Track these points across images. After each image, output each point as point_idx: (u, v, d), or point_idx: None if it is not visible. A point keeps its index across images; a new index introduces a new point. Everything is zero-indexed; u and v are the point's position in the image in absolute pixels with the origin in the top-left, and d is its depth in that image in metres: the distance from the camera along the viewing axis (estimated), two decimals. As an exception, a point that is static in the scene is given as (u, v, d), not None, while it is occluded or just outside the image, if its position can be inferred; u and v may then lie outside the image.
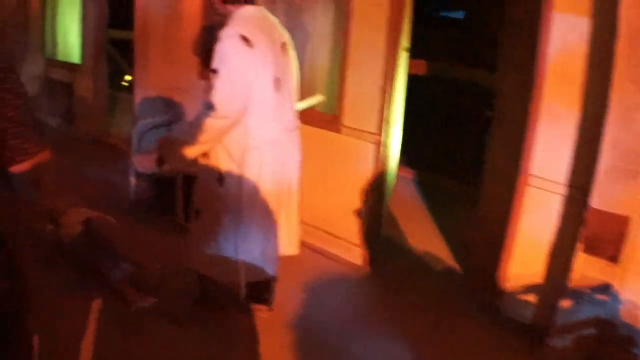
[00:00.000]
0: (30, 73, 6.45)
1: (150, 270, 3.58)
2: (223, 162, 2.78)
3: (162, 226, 4.24)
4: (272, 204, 2.87)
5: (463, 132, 5.48)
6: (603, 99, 2.84)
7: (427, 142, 5.59)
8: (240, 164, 2.75)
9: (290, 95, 2.97)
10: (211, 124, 2.63)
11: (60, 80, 6.38)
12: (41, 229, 3.63)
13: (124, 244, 3.67)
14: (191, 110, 4.56)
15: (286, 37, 2.96)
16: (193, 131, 2.68)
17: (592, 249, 2.91)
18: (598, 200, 2.84)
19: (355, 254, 4.01)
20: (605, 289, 2.91)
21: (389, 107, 3.65)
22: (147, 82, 4.81)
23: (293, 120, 3.00)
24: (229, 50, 2.60)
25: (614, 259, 2.86)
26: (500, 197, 3.96)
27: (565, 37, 2.97)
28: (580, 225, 2.98)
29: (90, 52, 5.95)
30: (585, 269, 2.94)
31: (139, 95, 4.79)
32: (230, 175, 2.78)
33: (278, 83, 2.78)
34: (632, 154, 2.75)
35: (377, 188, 3.85)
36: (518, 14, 3.79)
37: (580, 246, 2.92)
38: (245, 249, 2.86)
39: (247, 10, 2.77)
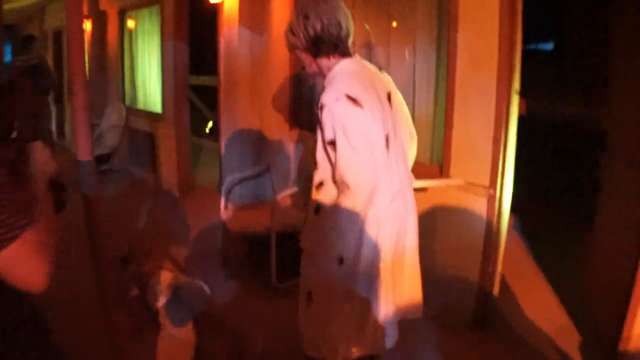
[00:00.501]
0: (110, 122, 6.51)
1: (252, 341, 3.44)
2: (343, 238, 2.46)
3: (254, 287, 4.13)
4: (390, 275, 2.57)
5: (566, 174, 5.22)
6: None
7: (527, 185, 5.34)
8: (359, 239, 2.44)
9: (403, 149, 2.64)
10: (353, 206, 2.31)
11: (142, 129, 6.40)
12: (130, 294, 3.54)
13: (217, 309, 3.56)
14: (279, 163, 4.45)
15: (390, 84, 2.64)
16: (342, 225, 2.36)
17: None
18: None
19: (464, 316, 3.77)
20: None
21: (502, 157, 3.43)
22: (233, 131, 4.73)
23: (407, 177, 2.66)
24: (340, 115, 2.26)
25: None
26: (620, 247, 3.71)
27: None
28: None
29: (171, 100, 5.96)
30: None
31: (225, 146, 4.71)
32: (349, 252, 2.44)
33: (388, 140, 2.45)
34: None
35: (489, 245, 3.62)
36: (629, 40, 3.57)
37: None
38: (364, 327, 2.55)
39: (345, 64, 2.43)
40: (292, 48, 2.47)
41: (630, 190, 3.67)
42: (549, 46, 6.70)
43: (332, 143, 2.26)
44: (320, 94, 2.35)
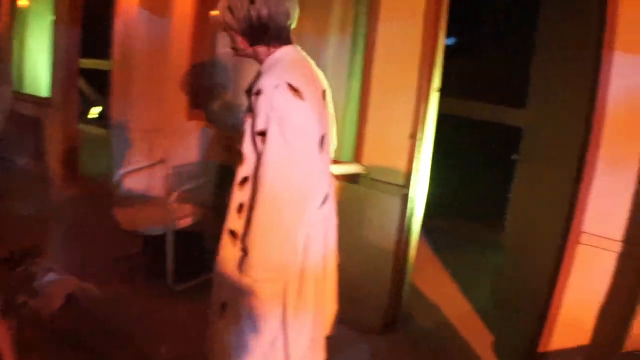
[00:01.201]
0: (-4, 107, 5.94)
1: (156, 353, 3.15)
2: None
3: (149, 290, 3.81)
4: (318, 283, 2.37)
5: (480, 174, 5.24)
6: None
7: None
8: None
9: (330, 153, 2.44)
10: (277, 201, 2.04)
11: (29, 114, 5.88)
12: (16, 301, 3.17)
13: (113, 316, 3.26)
14: (176, 156, 4.17)
15: (324, 81, 2.41)
16: (257, 232, 2.08)
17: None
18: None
19: (375, 317, 3.64)
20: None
21: (418, 156, 3.34)
22: (126, 119, 4.37)
23: (331, 182, 2.45)
24: (279, 104, 2.01)
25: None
26: (533, 250, 3.75)
27: (628, 79, 2.75)
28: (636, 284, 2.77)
29: (60, 84, 5.50)
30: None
31: (117, 135, 4.34)
32: None
33: (323, 141, 2.25)
34: None
35: (401, 246, 3.51)
36: (554, 44, 3.61)
37: (642, 307, 2.68)
38: (294, 344, 2.32)
39: (287, 51, 2.20)
40: (226, 28, 2.19)
41: (542, 190, 3.72)
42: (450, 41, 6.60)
43: (262, 134, 2.01)
44: (255, 79, 2.15)
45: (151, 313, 3.54)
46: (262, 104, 2.01)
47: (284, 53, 2.19)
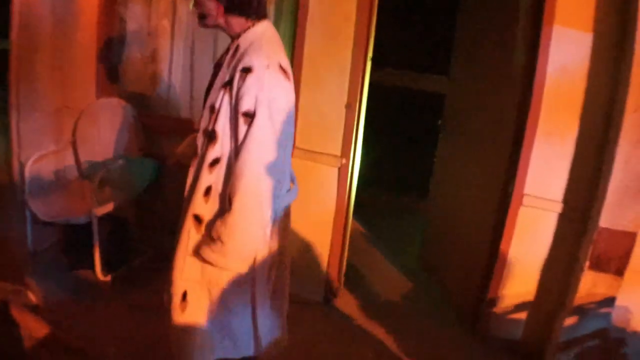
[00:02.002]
0: None
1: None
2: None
3: (79, 284, 3.52)
4: (284, 266, 2.35)
5: (409, 143, 5.23)
6: (605, 119, 2.85)
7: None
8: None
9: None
10: (259, 193, 1.95)
11: None
12: None
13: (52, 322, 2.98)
14: (88, 136, 3.80)
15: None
16: (242, 215, 1.94)
17: (599, 266, 2.92)
18: (607, 219, 2.84)
19: (316, 290, 3.63)
20: (610, 301, 2.94)
21: (356, 126, 3.28)
22: (29, 102, 3.87)
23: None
24: (270, 85, 1.92)
25: (619, 272, 2.91)
26: (454, 214, 3.88)
27: (566, 53, 2.87)
28: (575, 242, 3.02)
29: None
30: (592, 285, 2.93)
31: (19, 119, 3.83)
32: None
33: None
34: (641, 173, 2.74)
35: (340, 217, 3.49)
36: (474, 17, 3.66)
37: (587, 264, 2.90)
38: (263, 327, 2.27)
39: (266, 27, 2.07)
40: None
41: (461, 156, 3.82)
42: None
43: (249, 115, 1.90)
44: (231, 54, 2.03)
45: (87, 311, 3.28)
46: (252, 84, 1.90)
47: (264, 28, 2.06)
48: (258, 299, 2.20)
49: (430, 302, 3.81)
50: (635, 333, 3.04)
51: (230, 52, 2.04)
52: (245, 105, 1.89)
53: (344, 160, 3.33)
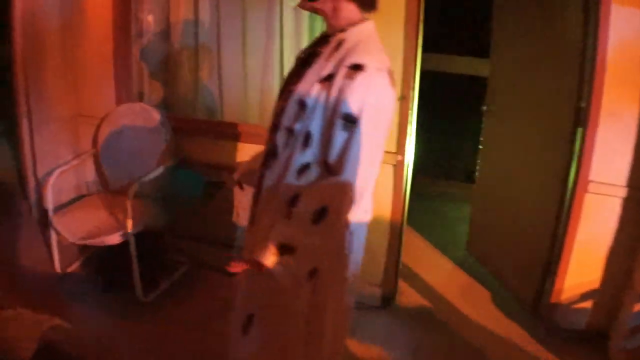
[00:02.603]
0: None
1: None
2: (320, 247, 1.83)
3: (119, 309, 3.28)
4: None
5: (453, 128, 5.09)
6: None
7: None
8: (342, 248, 1.91)
9: None
10: (344, 204, 1.75)
11: None
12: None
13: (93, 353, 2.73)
14: (109, 144, 3.58)
15: None
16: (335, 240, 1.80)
17: (673, 248, 2.84)
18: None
19: (374, 293, 3.48)
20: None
21: (410, 120, 3.16)
22: (41, 110, 3.63)
23: None
24: (379, 90, 1.73)
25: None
26: (502, 200, 3.79)
27: (625, 30, 2.79)
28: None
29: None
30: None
31: (32, 130, 3.58)
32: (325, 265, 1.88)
33: None
34: None
35: (397, 216, 3.34)
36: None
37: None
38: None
39: (373, 28, 1.86)
40: None
41: (507, 140, 3.75)
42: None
43: (350, 119, 1.67)
44: (344, 50, 1.76)
45: (131, 335, 3.07)
46: (361, 84, 1.68)
47: (372, 28, 1.85)
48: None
49: (489, 293, 3.69)
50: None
51: (332, 44, 1.80)
52: (348, 107, 1.67)
53: (399, 157, 3.16)
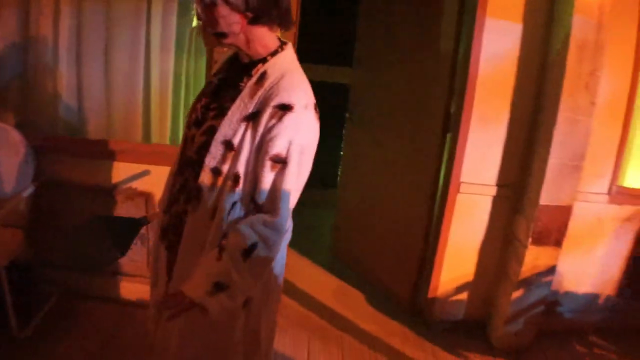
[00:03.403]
0: None
1: None
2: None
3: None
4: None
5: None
6: (535, 103, 3.06)
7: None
8: (270, 274, 1.89)
9: None
10: (277, 243, 1.70)
11: None
12: None
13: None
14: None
15: None
16: (255, 263, 1.65)
17: (540, 240, 3.13)
18: (546, 196, 3.03)
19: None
20: (551, 271, 3.20)
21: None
22: None
23: None
24: (306, 130, 1.66)
25: (558, 243, 3.17)
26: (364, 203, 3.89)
27: (497, 43, 2.99)
28: (510, 222, 3.25)
29: None
30: (534, 258, 3.14)
31: None
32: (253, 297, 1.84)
33: None
34: (576, 151, 3.00)
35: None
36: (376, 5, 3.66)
37: (529, 240, 3.08)
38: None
39: (292, 54, 1.77)
40: (209, 4, 1.59)
41: (368, 147, 3.84)
42: None
43: (279, 160, 1.61)
44: (268, 86, 1.65)
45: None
46: (289, 125, 1.60)
47: (292, 54, 1.75)
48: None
49: (362, 295, 3.77)
50: (567, 293, 3.36)
51: (254, 78, 1.68)
52: (277, 148, 1.60)
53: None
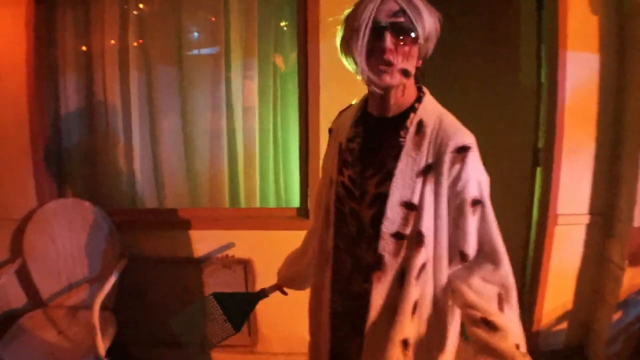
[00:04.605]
0: None
1: None
2: None
3: None
4: None
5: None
6: (618, 129, 3.17)
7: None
8: None
9: None
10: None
11: None
12: None
13: None
14: (38, 248, 3.06)
15: None
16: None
17: (635, 261, 3.19)
18: (638, 218, 3.12)
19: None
20: (645, 288, 3.29)
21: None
22: None
23: None
24: (481, 166, 1.60)
25: (649, 262, 3.26)
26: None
27: (578, 75, 3.12)
28: (602, 246, 3.33)
29: None
30: (630, 279, 3.20)
31: None
32: None
33: None
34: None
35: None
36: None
37: (626, 262, 3.16)
38: None
39: (430, 95, 1.71)
40: (414, 39, 1.51)
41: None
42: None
43: (477, 203, 1.57)
44: (432, 132, 1.59)
45: None
46: (473, 166, 1.56)
47: (430, 95, 1.71)
48: None
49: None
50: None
51: (411, 129, 1.61)
52: (472, 192, 1.57)
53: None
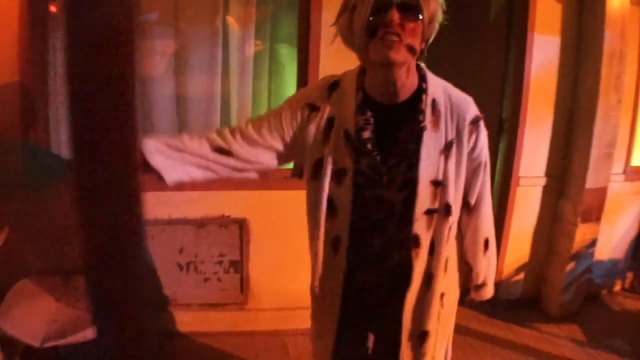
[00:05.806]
0: None
1: None
2: None
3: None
4: None
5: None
6: (573, 103, 3.63)
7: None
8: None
9: None
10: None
11: None
12: None
13: None
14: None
15: None
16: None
17: (586, 218, 3.72)
18: (590, 181, 3.64)
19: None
20: (594, 243, 3.82)
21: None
22: None
23: None
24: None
25: (598, 219, 3.79)
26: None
27: (543, 55, 3.54)
28: (558, 204, 3.82)
29: None
30: (582, 234, 3.73)
31: None
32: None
33: None
34: (610, 141, 3.65)
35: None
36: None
37: (579, 219, 3.67)
38: None
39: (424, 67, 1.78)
40: (420, 18, 1.52)
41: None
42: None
43: (486, 164, 1.77)
44: (444, 108, 1.67)
45: None
46: (484, 132, 1.73)
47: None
48: None
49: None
50: (597, 262, 3.97)
51: (427, 110, 1.65)
52: (484, 154, 1.74)
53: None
